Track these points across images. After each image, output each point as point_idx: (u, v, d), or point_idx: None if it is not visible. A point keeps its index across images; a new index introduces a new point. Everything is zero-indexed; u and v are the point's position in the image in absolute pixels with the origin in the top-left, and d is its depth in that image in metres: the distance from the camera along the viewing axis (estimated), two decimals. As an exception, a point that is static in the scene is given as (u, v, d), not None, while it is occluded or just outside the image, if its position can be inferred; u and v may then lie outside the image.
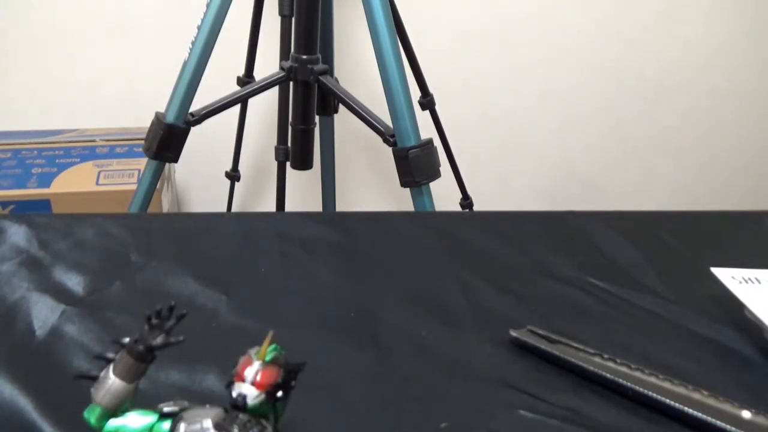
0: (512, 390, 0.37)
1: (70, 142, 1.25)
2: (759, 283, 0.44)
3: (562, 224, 0.56)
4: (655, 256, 0.52)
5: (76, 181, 1.12)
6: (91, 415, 0.29)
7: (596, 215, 0.58)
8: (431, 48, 1.23)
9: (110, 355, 0.29)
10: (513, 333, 0.41)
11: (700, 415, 0.34)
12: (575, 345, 0.39)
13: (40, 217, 0.54)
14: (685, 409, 0.35)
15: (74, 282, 0.46)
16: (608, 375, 0.37)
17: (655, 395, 0.36)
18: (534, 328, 0.41)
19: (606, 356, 0.38)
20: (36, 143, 1.24)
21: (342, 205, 1.39)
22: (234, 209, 1.37)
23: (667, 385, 0.36)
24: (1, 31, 1.28)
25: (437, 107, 1.16)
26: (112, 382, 0.28)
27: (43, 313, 0.42)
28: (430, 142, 0.91)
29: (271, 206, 1.17)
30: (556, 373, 0.39)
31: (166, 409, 0.29)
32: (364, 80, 1.28)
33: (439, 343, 0.41)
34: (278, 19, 1.02)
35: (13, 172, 1.14)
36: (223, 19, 0.92)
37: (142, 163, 1.14)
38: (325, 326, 0.42)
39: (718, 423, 0.34)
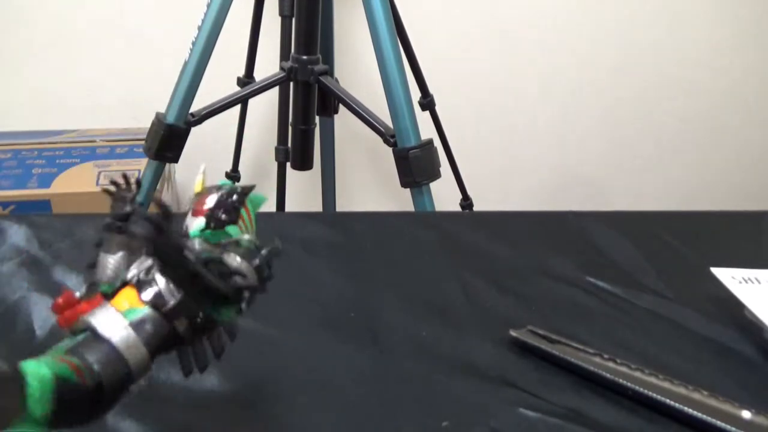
0: (513, 389, 0.37)
1: (70, 142, 1.25)
2: (759, 283, 0.44)
3: (562, 224, 0.56)
4: (655, 256, 0.52)
5: (76, 182, 1.12)
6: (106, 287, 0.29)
7: (596, 215, 0.58)
8: (431, 48, 1.23)
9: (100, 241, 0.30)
10: (513, 333, 0.41)
11: (700, 415, 0.34)
12: (575, 345, 0.39)
13: (40, 217, 0.54)
14: (685, 409, 0.35)
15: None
16: (608, 375, 0.37)
17: (655, 395, 0.36)
18: (534, 328, 0.41)
19: (606, 356, 0.38)
20: (36, 143, 1.24)
21: (342, 205, 1.39)
22: (234, 209, 1.37)
23: (667, 385, 0.36)
24: (1, 31, 1.28)
25: (437, 108, 1.16)
26: (104, 257, 0.29)
27: (43, 313, 0.42)
28: (430, 142, 0.91)
29: (271, 206, 1.17)
30: (556, 373, 0.39)
31: None
32: (364, 80, 1.28)
33: (439, 343, 0.41)
34: (278, 19, 1.02)
35: (14, 172, 1.14)
36: (224, 19, 0.92)
37: (142, 163, 1.14)
38: (325, 326, 0.42)
39: (718, 423, 0.34)
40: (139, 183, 0.30)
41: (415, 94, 0.98)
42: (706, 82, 1.49)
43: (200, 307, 0.26)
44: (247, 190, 0.29)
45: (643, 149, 1.55)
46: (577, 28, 1.41)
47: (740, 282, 0.44)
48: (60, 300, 0.26)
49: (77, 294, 0.26)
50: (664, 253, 0.53)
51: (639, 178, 1.58)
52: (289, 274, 0.48)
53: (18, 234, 0.51)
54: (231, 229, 0.28)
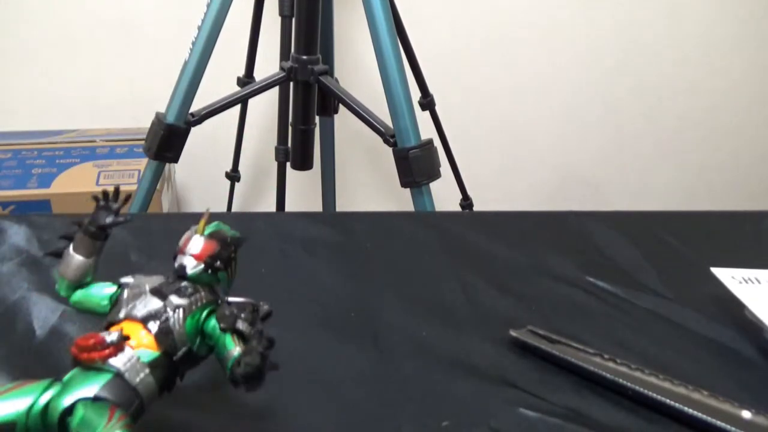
0: (513, 389, 0.37)
1: (70, 142, 1.25)
2: (759, 283, 0.44)
3: (562, 224, 0.56)
4: (655, 256, 0.52)
5: (76, 182, 1.12)
6: (60, 288, 0.33)
7: (596, 215, 0.58)
8: (431, 48, 1.23)
9: (72, 235, 0.33)
10: (513, 333, 0.41)
11: (700, 415, 0.34)
12: (575, 345, 0.39)
13: (40, 217, 0.54)
14: (685, 409, 0.35)
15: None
16: (608, 375, 0.37)
17: (655, 395, 0.36)
18: (534, 328, 0.41)
19: (606, 356, 0.38)
20: (36, 143, 1.24)
21: (342, 205, 1.39)
22: (234, 209, 1.37)
23: (667, 385, 0.36)
24: (1, 31, 1.28)
25: (437, 108, 1.16)
26: (72, 257, 0.32)
27: (43, 313, 0.42)
28: (430, 142, 0.91)
29: (271, 206, 1.17)
30: (556, 373, 0.39)
31: (123, 281, 0.32)
32: (364, 80, 1.28)
33: (439, 343, 0.41)
34: (278, 19, 1.02)
35: (13, 172, 1.14)
36: (224, 19, 0.92)
37: (142, 163, 1.14)
38: (325, 326, 0.42)
39: (718, 423, 0.34)
40: (128, 199, 0.33)
41: (415, 94, 0.98)
42: (706, 82, 1.49)
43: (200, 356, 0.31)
44: (240, 242, 0.33)
45: (643, 149, 1.55)
46: (577, 28, 1.41)
47: (740, 282, 0.44)
48: (90, 341, 0.28)
49: (108, 339, 0.28)
50: (664, 253, 0.53)
51: (639, 178, 1.58)
52: (289, 274, 0.48)
53: (18, 234, 0.51)
54: (221, 275, 0.32)
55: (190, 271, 0.32)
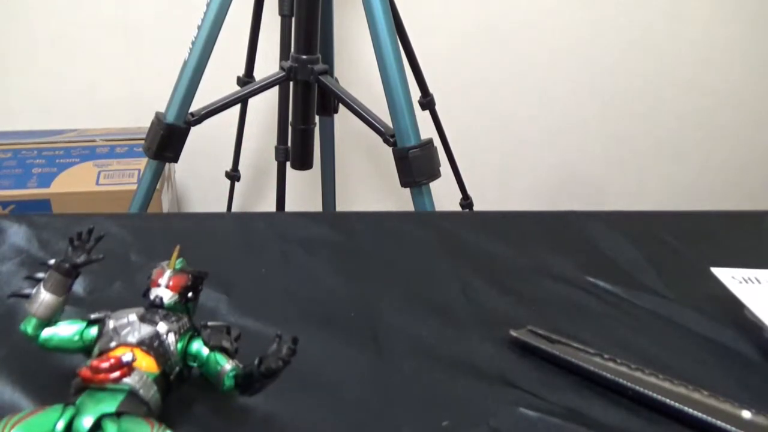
0: (513, 389, 0.37)
1: (70, 142, 1.25)
2: (759, 283, 0.44)
3: (562, 224, 0.57)
4: (655, 256, 0.52)
5: (76, 181, 1.12)
6: (28, 326, 0.34)
7: (596, 215, 0.58)
8: (431, 48, 1.23)
9: (40, 275, 0.34)
10: (513, 333, 0.41)
11: (700, 415, 0.34)
12: (575, 345, 0.39)
13: (40, 217, 0.54)
14: (685, 409, 0.35)
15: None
16: (608, 375, 0.37)
17: (655, 395, 0.36)
18: (534, 328, 0.41)
19: (606, 356, 0.38)
20: (36, 143, 1.24)
21: (342, 205, 1.39)
22: (234, 209, 1.37)
23: (667, 385, 0.36)
24: (0, 31, 1.28)
25: (437, 107, 1.16)
26: (43, 296, 0.33)
27: (43, 313, 0.42)
28: (430, 142, 0.91)
29: (271, 206, 1.17)
30: (556, 373, 0.39)
31: (92, 317, 0.34)
32: (364, 80, 1.28)
33: (439, 343, 0.41)
34: (278, 19, 1.02)
35: (13, 172, 1.14)
36: (223, 19, 0.92)
37: (142, 163, 1.14)
38: (325, 326, 0.42)
39: (718, 423, 0.34)
40: (99, 239, 0.35)
41: (415, 94, 0.98)
42: (706, 82, 1.49)
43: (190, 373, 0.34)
44: (205, 276, 0.36)
45: (643, 149, 1.55)
46: (577, 27, 1.41)
47: (740, 282, 0.44)
48: (107, 363, 0.30)
49: (124, 359, 0.30)
50: (664, 253, 0.53)
51: (639, 178, 1.58)
52: (289, 274, 0.48)
53: (18, 234, 0.51)
54: (190, 304, 0.35)
55: (167, 301, 0.34)
